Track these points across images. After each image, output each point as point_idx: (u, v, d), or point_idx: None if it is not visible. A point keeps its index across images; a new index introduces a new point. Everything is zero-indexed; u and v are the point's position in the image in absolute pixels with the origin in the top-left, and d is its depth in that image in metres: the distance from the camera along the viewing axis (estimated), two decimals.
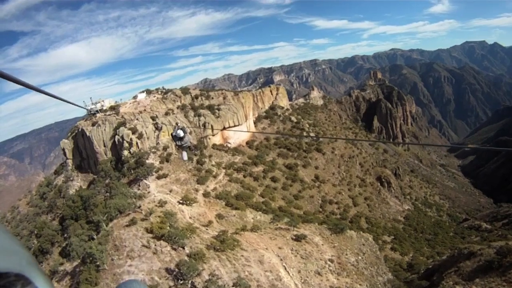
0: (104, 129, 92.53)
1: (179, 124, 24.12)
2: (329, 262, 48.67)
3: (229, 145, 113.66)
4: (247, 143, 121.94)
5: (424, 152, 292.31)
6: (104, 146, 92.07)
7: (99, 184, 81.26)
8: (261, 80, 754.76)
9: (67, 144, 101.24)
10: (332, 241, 57.51)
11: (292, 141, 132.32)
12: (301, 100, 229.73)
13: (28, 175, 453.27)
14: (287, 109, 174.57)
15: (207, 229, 54.87)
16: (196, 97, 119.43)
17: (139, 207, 57.76)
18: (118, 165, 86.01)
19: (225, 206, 70.11)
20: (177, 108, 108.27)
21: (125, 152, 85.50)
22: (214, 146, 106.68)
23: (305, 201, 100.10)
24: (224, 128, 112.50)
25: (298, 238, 54.20)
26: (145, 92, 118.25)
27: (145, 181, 73.73)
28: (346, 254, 53.73)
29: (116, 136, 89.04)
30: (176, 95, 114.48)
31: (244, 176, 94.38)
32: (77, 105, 10.90)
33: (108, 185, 77.88)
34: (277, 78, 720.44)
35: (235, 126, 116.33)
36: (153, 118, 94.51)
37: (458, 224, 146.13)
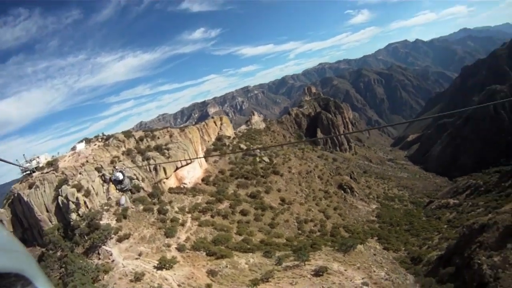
0: (44, 191, 78.80)
1: (117, 167, 22.27)
2: (365, 287, 42.31)
3: (185, 185, 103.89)
4: (202, 180, 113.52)
5: (371, 152, 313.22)
6: (47, 211, 78.22)
7: (49, 259, 67.62)
8: (196, 115, 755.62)
9: (3, 214, 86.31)
10: (351, 262, 51.15)
11: (247, 169, 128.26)
12: (243, 127, 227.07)
13: None
14: (234, 138, 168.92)
15: None
16: (141, 139, 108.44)
17: None
18: (68, 232, 72.45)
19: (208, 258, 60.09)
20: (122, 154, 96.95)
21: (73, 215, 72.52)
22: (171, 190, 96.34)
23: (281, 227, 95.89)
24: (177, 169, 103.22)
25: (319, 272, 46.20)
26: (83, 141, 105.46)
27: (104, 247, 61.96)
28: (374, 271, 48.09)
29: (59, 197, 75.62)
30: (119, 140, 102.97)
31: (212, 216, 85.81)
32: (8, 162, 9.87)
33: (61, 259, 65.62)
34: (211, 110, 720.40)
35: (187, 164, 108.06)
36: (98, 170, 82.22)
37: (424, 208, 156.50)
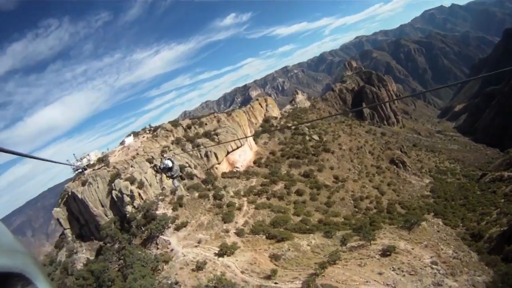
0: (97, 187, 78.31)
1: (165, 155, 22.70)
2: (435, 266, 39.32)
3: (238, 169, 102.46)
4: (254, 162, 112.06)
5: (418, 124, 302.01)
6: (102, 206, 77.84)
7: (107, 252, 67.13)
8: (238, 99, 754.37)
9: (59, 212, 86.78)
10: (417, 240, 47.69)
11: (298, 148, 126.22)
12: (288, 106, 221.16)
13: (34, 248, 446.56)
14: (281, 118, 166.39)
15: (277, 284, 41.55)
16: (189, 127, 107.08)
17: (176, 283, 44.34)
18: (124, 225, 71.82)
19: (269, 241, 57.45)
20: (172, 143, 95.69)
21: (129, 208, 71.66)
22: (224, 174, 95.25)
23: (337, 205, 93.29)
24: (228, 153, 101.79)
25: (386, 252, 42.96)
26: (132, 135, 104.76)
27: (162, 237, 60.70)
28: (441, 249, 44.58)
29: (113, 192, 74.98)
30: (167, 130, 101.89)
31: (268, 199, 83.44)
32: (59, 163, 11.39)
33: (119, 251, 64.97)
34: (253, 93, 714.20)
35: (237, 148, 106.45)
36: (149, 161, 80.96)
37: (477, 181, 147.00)
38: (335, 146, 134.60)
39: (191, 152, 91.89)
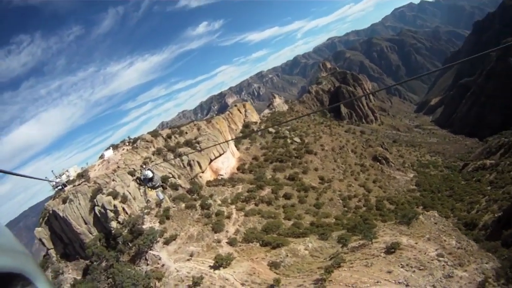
0: (79, 203, 74.63)
1: (144, 166, 23.59)
2: (441, 259, 38.57)
3: (222, 177, 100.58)
4: (238, 169, 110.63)
5: (396, 120, 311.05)
6: (85, 223, 74.31)
7: (95, 272, 63.73)
8: (215, 107, 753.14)
9: (41, 232, 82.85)
10: (418, 234, 46.91)
11: (280, 152, 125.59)
12: (266, 111, 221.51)
13: None
14: (260, 123, 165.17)
15: None
16: (169, 136, 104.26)
17: None
18: (110, 242, 68.44)
19: (264, 248, 55.87)
20: (153, 154, 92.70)
21: (113, 224, 68.30)
22: (209, 183, 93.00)
23: (327, 206, 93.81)
24: (211, 161, 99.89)
25: (391, 249, 42.00)
26: (111, 148, 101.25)
27: (151, 252, 57.74)
28: (444, 240, 43.97)
29: (96, 208, 71.55)
30: (147, 141, 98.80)
31: (256, 205, 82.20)
32: (38, 179, 11.29)
33: (107, 269, 61.68)
34: (230, 100, 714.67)
35: (220, 155, 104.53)
36: (131, 174, 77.89)
37: (460, 171, 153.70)
38: (317, 147, 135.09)
39: (173, 162, 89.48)
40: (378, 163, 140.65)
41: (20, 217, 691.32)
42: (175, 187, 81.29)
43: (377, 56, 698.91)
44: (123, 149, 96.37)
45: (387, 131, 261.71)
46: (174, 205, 71.49)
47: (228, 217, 70.27)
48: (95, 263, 66.52)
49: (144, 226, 64.20)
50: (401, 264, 38.49)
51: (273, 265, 47.02)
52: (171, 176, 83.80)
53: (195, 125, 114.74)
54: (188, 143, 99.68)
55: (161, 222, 65.79)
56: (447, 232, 47.41)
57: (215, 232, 62.70)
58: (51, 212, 79.56)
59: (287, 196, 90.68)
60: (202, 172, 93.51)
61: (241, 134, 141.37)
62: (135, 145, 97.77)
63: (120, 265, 58.51)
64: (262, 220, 71.78)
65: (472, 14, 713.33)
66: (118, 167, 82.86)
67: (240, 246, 57.85)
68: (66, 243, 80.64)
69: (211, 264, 48.61)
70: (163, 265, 52.96)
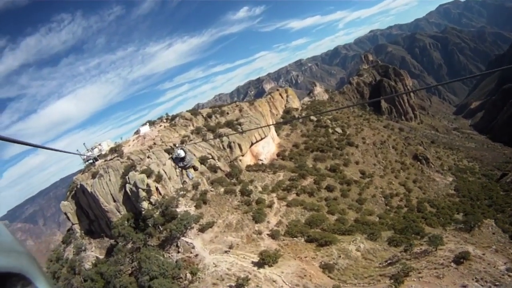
0: (109, 179, 70.09)
1: (177, 145, 23.35)
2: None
3: (262, 162, 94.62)
4: (277, 155, 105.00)
5: (436, 120, 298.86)
6: (114, 201, 69.51)
7: (119, 254, 58.81)
8: (252, 92, 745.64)
9: (67, 206, 78.91)
10: (483, 244, 43.31)
11: (321, 141, 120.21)
12: (306, 98, 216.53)
13: (45, 236, 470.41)
14: (301, 110, 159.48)
15: None
16: (209, 116, 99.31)
17: None
18: (139, 223, 63.21)
19: (309, 245, 49.82)
20: (191, 133, 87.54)
21: (144, 204, 62.91)
22: (248, 167, 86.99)
23: (369, 203, 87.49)
24: (252, 144, 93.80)
25: (460, 259, 36.20)
26: (147, 124, 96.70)
27: (184, 239, 52.32)
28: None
29: (127, 185, 66.51)
30: (186, 119, 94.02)
31: (298, 195, 75.50)
32: (68, 152, 11.24)
33: (133, 252, 57.27)
34: (267, 86, 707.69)
35: (261, 139, 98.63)
36: (168, 152, 72.07)
37: (498, 181, 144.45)
38: (358, 140, 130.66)
39: (212, 143, 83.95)
40: (418, 163, 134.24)
41: (51, 187, 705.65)
42: (213, 169, 75.47)
43: (419, 52, 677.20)
44: (161, 126, 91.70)
45: (426, 131, 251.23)
46: (212, 189, 65.61)
47: (270, 206, 64.65)
48: (120, 244, 61.44)
49: (178, 210, 58.92)
50: (475, 278, 33.07)
51: (326, 268, 40.62)
52: (210, 157, 78.00)
53: (237, 106, 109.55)
54: (229, 124, 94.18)
55: (197, 207, 60.18)
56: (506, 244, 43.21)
57: (256, 222, 57.08)
58: (78, 186, 75.48)
59: (329, 189, 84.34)
60: (242, 155, 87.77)
61: (281, 120, 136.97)
62: (173, 122, 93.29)
63: (147, 249, 53.42)
64: (305, 212, 65.70)
65: None
66: (155, 143, 77.66)
67: (283, 240, 51.96)
68: (92, 219, 77.06)
69: (254, 260, 42.32)
70: (196, 255, 47.35)
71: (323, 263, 41.73)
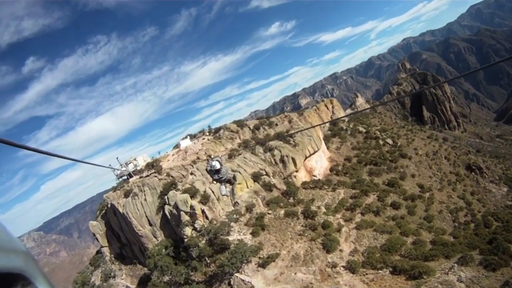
0: (144, 199, 60.40)
1: (212, 156, 19.03)
2: None
3: (315, 177, 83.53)
4: (330, 170, 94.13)
5: (479, 128, 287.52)
6: (150, 224, 59.66)
7: None
8: (288, 108, 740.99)
9: (96, 227, 70.52)
10: None
11: (374, 154, 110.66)
12: (348, 110, 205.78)
13: (79, 249, 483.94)
14: (349, 121, 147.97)
15: None
16: (257, 128, 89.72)
17: None
18: (180, 252, 52.74)
19: (398, 277, 40.18)
20: (239, 146, 78.08)
21: (187, 230, 52.20)
22: (305, 184, 75.67)
23: (436, 220, 78.09)
24: (305, 158, 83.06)
25: None
26: (188, 137, 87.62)
27: (239, 276, 41.29)
28: None
29: (166, 207, 56.45)
30: (232, 131, 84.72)
31: (363, 214, 64.42)
32: (101, 166, 10.94)
33: (171, 285, 47.84)
34: (303, 101, 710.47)
35: (315, 152, 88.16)
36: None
37: None
38: (410, 151, 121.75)
39: (263, 157, 73.16)
40: (472, 173, 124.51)
41: (87, 201, 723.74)
42: (268, 187, 64.74)
43: (454, 57, 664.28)
44: (203, 139, 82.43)
45: (470, 139, 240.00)
46: (269, 211, 54.54)
47: (338, 230, 53.46)
48: (155, 277, 50.85)
49: (230, 238, 48.11)
50: None
51: None
52: (264, 173, 67.26)
53: (286, 116, 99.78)
54: (279, 136, 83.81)
55: (254, 234, 49.44)
56: None
57: (327, 252, 45.99)
58: (109, 205, 65.84)
59: (395, 206, 73.76)
60: (297, 171, 77.27)
61: (329, 132, 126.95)
62: (217, 134, 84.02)
63: (191, 287, 42.52)
64: (377, 235, 54.77)
65: None
66: (198, 158, 67.64)
67: (365, 274, 41.23)
68: (124, 243, 67.97)
69: None
70: None
71: None
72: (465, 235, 69.92)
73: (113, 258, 69.37)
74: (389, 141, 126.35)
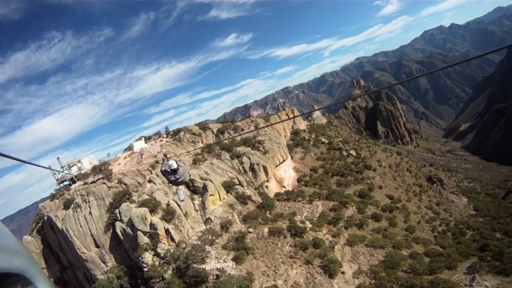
0: (89, 213, 48.76)
1: (167, 155, 17.61)
2: None
3: (285, 188, 76.19)
4: (298, 180, 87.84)
5: (430, 143, 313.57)
6: (96, 245, 47.94)
7: None
8: (239, 119, 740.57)
9: (30, 243, 56.50)
10: None
11: (339, 164, 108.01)
12: (306, 122, 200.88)
13: None
14: (308, 132, 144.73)
15: None
16: (221, 132, 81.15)
17: None
18: (138, 284, 41.43)
19: None
20: (202, 151, 67.14)
21: (147, 256, 41.00)
22: (278, 196, 68.01)
23: (417, 231, 77.96)
24: (276, 166, 76.29)
25: None
26: (142, 139, 76.07)
27: None
28: None
29: (118, 224, 45.31)
30: (194, 134, 75.03)
31: (346, 228, 59.40)
32: (38, 166, 10.11)
33: None
34: (254, 113, 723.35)
35: (283, 161, 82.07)
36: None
37: (504, 199, 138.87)
38: (374, 162, 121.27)
39: (230, 164, 63.43)
40: (434, 185, 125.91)
41: (32, 206, 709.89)
42: (243, 199, 54.77)
43: (405, 77, 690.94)
44: (161, 140, 72.50)
45: (423, 154, 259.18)
46: (250, 229, 44.31)
47: (332, 247, 46.12)
48: None
49: (206, 267, 37.28)
50: None
51: None
52: (236, 182, 57.57)
53: (252, 121, 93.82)
54: (246, 142, 76.02)
55: (237, 260, 39.10)
56: None
57: (330, 277, 38.24)
58: (45, 218, 53.19)
59: (376, 218, 70.33)
60: (267, 180, 68.71)
61: (292, 142, 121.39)
62: (177, 137, 73.74)
63: None
64: (372, 251, 50.68)
65: (503, 39, 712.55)
66: (157, 162, 56.20)
67: None
68: (65, 265, 54.93)
69: None
70: None
71: None
72: (451, 244, 69.77)
73: (53, 283, 56.14)
74: (353, 152, 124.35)
